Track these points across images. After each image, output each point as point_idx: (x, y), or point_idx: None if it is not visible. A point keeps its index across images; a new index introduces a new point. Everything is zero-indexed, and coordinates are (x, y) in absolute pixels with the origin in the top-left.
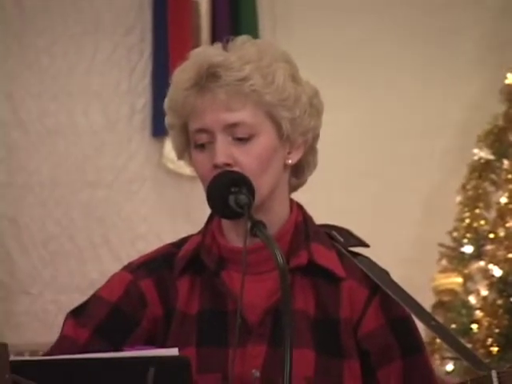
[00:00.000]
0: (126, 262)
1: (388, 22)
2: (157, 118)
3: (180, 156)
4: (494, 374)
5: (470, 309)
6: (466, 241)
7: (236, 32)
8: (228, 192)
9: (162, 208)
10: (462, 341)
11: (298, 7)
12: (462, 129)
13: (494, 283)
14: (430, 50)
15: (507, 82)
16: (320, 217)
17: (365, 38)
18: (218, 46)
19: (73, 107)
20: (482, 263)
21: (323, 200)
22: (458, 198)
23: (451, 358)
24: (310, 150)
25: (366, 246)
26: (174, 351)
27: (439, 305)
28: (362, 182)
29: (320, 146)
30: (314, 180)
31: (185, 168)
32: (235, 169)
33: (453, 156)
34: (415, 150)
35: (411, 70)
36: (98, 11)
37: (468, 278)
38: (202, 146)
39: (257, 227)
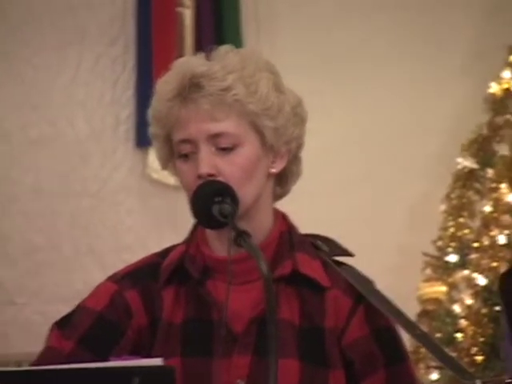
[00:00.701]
0: (111, 272)
1: (371, 32)
2: (141, 129)
3: (164, 166)
4: (478, 383)
5: (455, 318)
6: (450, 250)
7: (220, 41)
8: (212, 202)
9: (147, 218)
10: (447, 350)
11: (281, 16)
12: (447, 138)
13: (478, 292)
14: (414, 60)
15: (491, 91)
16: (304, 226)
17: (351, 47)
18: (201, 55)
19: (57, 118)
20: (466, 272)
21: (307, 209)
22: (443, 207)
23: (436, 367)
24: (294, 159)
25: (351, 255)
26: (158, 361)
27: (424, 314)
28: (346, 192)
29: (304, 154)
30: (298, 189)
31: (169, 178)
32: (219, 179)
33: (437, 165)
34: (400, 160)
35: (395, 81)
36: (81, 22)
37: (452, 286)
38: (185, 156)
39: (241, 237)
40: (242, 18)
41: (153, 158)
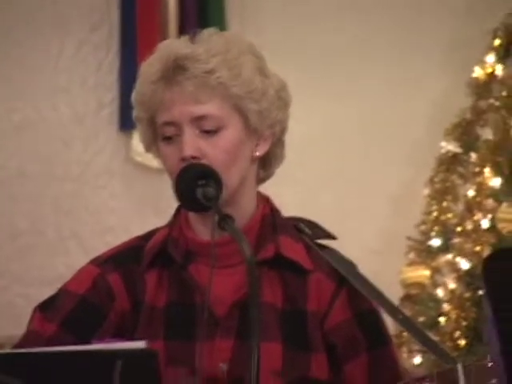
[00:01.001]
0: (94, 256)
1: (355, 19)
2: (124, 112)
3: (148, 149)
4: (459, 366)
5: (438, 302)
6: (433, 234)
7: (204, 25)
8: (195, 185)
9: (130, 201)
10: (430, 334)
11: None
12: (430, 122)
13: (461, 276)
14: (397, 45)
15: (474, 75)
16: (288, 210)
17: (334, 32)
18: (185, 38)
19: (40, 103)
20: (449, 256)
21: (292, 193)
22: (426, 191)
23: (419, 351)
24: (278, 143)
25: (334, 238)
26: (141, 344)
27: (407, 298)
28: (330, 175)
29: (290, 140)
30: (282, 173)
31: (153, 161)
32: (203, 161)
33: (420, 149)
34: (383, 144)
35: (378, 66)
36: (63, 8)
37: (436, 271)
38: (169, 139)
39: (224, 220)
40: (226, 1)
41: (136, 141)
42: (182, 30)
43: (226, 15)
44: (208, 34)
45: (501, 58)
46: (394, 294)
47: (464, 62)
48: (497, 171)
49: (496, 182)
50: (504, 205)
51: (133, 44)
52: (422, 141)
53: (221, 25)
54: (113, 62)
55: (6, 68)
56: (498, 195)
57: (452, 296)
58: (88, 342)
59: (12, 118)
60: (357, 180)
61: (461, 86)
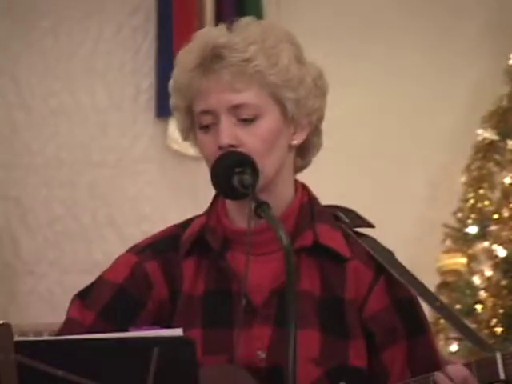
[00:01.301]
0: (131, 243)
1: (393, 4)
2: (161, 99)
3: (185, 137)
4: (498, 355)
5: (475, 289)
6: (470, 221)
7: (241, 13)
8: (232, 172)
9: (167, 189)
10: (467, 321)
11: None
12: (467, 110)
13: (498, 264)
14: (435, 31)
15: (511, 62)
16: (325, 198)
17: (369, 18)
18: (223, 26)
19: (77, 88)
20: (486, 244)
21: (328, 180)
22: (463, 179)
23: (456, 339)
24: (315, 131)
25: (372, 226)
26: (178, 331)
27: (444, 285)
28: (367, 162)
29: (325, 125)
30: (319, 161)
31: (189, 149)
32: (240, 150)
33: (458, 136)
34: (420, 131)
35: (416, 51)
36: None
37: (472, 258)
38: (206, 128)
39: (261, 208)
40: None
41: (173, 128)
42: (219, 18)
43: (262, 3)
44: (245, 22)
45: None
46: (431, 282)
47: (501, 48)
48: None
49: None
50: None
51: (169, 30)
52: (459, 128)
53: (258, 13)
54: (150, 47)
55: (42, 52)
56: None
57: (488, 283)
58: (126, 331)
59: (49, 102)
60: (393, 167)
61: (498, 73)
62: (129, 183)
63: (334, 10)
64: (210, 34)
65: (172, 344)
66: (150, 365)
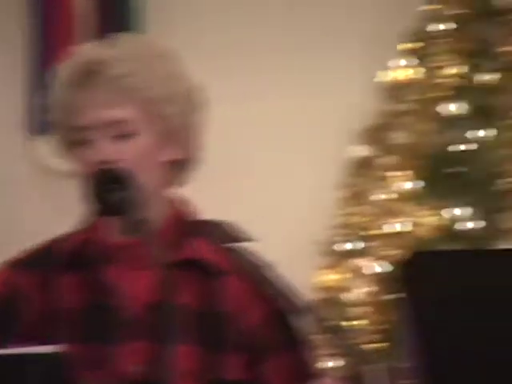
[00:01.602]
0: (7, 259)
1: (266, 19)
2: (33, 116)
3: (61, 153)
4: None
5: (351, 305)
6: (345, 237)
7: (120, 28)
8: (109, 189)
9: (43, 206)
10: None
11: (180, 4)
12: (341, 126)
13: (373, 280)
14: (308, 47)
15: (385, 79)
16: (203, 211)
17: (242, 35)
18: (101, 42)
19: None
20: (361, 260)
21: (206, 193)
22: (338, 195)
23: (332, 355)
24: (193, 146)
25: (250, 240)
26: (49, 348)
27: (320, 301)
28: (246, 178)
29: (203, 139)
30: (197, 175)
31: (63, 165)
32: (116, 166)
33: (332, 153)
34: (294, 146)
35: (290, 68)
36: None
37: (348, 274)
38: (83, 144)
39: (138, 223)
40: (143, 5)
41: (46, 145)
42: (100, 34)
43: (144, 19)
44: (123, 38)
45: (412, 62)
46: (308, 297)
47: (373, 65)
48: (408, 175)
49: (408, 185)
50: (419, 208)
51: (41, 46)
52: (333, 144)
53: (139, 29)
54: (21, 63)
55: None
56: (412, 199)
57: (365, 299)
58: (3, 347)
59: None
60: (269, 183)
61: (370, 89)
62: (2, 202)
63: (215, 24)
64: (88, 49)
65: (42, 360)
66: (23, 382)
